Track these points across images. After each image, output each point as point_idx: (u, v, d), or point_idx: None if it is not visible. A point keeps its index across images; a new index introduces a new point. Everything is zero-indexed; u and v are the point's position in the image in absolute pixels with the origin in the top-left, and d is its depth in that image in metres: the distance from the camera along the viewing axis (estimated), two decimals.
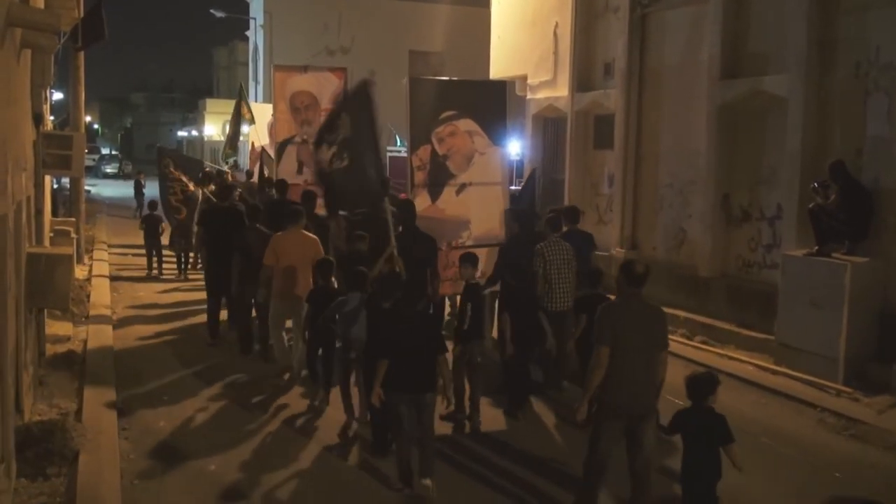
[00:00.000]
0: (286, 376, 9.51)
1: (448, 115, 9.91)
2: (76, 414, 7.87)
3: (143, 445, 7.44)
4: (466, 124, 10.02)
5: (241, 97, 19.74)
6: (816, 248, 10.06)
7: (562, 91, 16.14)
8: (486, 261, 9.24)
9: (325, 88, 13.42)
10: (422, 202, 9.64)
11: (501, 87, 10.86)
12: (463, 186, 10.06)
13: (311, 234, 9.59)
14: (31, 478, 6.36)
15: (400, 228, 9.05)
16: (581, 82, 15.68)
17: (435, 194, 9.89)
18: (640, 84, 14.19)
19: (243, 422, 8.16)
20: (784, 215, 11.30)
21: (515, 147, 24.25)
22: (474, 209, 10.11)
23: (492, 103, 10.35)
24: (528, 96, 17.43)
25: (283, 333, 9.72)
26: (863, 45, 10.24)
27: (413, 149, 9.84)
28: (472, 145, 10.08)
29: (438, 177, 9.93)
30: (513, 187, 22.16)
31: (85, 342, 10.55)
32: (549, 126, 17.23)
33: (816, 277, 9.85)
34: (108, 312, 12.61)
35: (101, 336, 10.97)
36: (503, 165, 10.46)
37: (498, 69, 18.45)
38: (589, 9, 15.60)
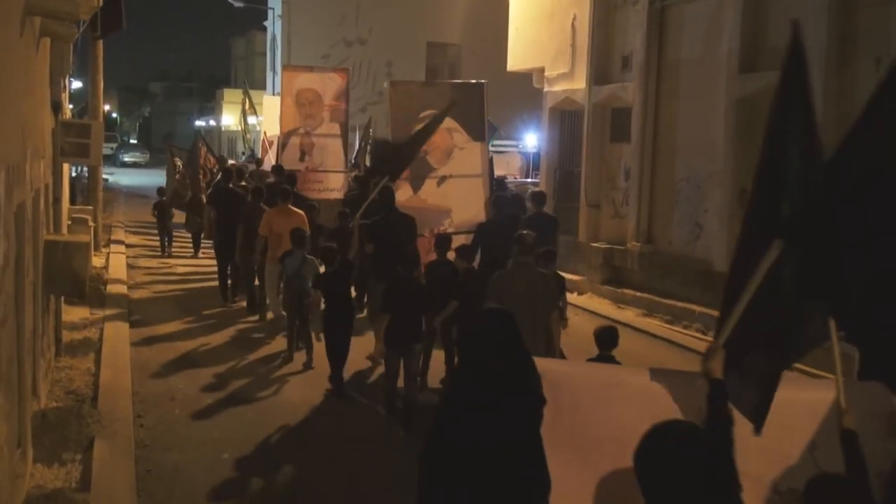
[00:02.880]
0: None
1: (428, 114, 10.63)
2: (92, 401, 7.94)
3: (158, 433, 7.50)
4: (446, 122, 10.74)
5: (245, 93, 21.47)
6: None
7: (579, 84, 16.08)
8: None
9: (328, 87, 14.90)
10: (404, 193, 10.53)
11: (479, 87, 11.55)
12: (443, 178, 10.90)
13: (297, 210, 10.98)
14: (46, 463, 6.42)
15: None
16: (598, 75, 15.61)
17: (416, 186, 10.79)
18: (658, 77, 14.11)
19: (260, 408, 8.23)
20: None
21: (532, 140, 24.18)
22: (455, 199, 10.92)
23: (471, 102, 11.14)
24: (546, 89, 17.37)
25: (277, 294, 11.06)
26: (883, 40, 10.14)
27: None
28: (452, 141, 10.89)
29: (419, 170, 10.75)
30: (530, 180, 22.21)
31: (101, 329, 10.62)
32: (566, 119, 17.17)
33: None
34: (124, 288, 13.37)
35: (118, 322, 11.06)
36: (483, 159, 11.22)
37: (515, 61, 18.39)
38: (607, 1, 15.52)
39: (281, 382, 9.13)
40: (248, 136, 24.75)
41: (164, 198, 18.94)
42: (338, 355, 8.74)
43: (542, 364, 3.58)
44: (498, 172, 16.68)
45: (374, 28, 34.77)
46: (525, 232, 7.40)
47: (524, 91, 18.75)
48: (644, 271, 14.07)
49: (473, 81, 11.75)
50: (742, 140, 12.21)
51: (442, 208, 10.83)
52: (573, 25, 16.26)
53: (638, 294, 13.63)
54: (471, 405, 3.37)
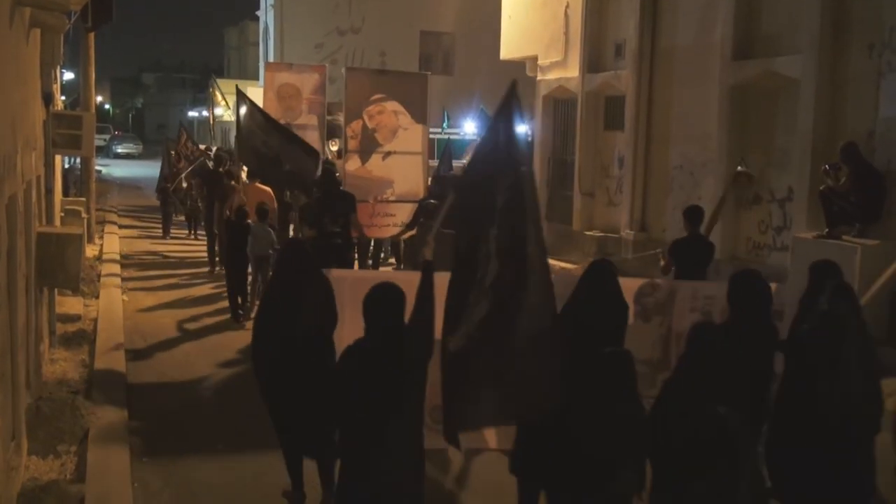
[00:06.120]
0: None
1: (378, 98, 12.30)
2: (86, 392, 7.94)
3: (152, 424, 7.50)
4: (393, 105, 12.38)
5: (216, 86, 23.39)
6: (827, 230, 10.01)
7: (572, 72, 16.06)
8: (407, 214, 12.18)
9: (307, 82, 16.39)
10: (353, 164, 12.19)
11: (423, 77, 13.44)
12: (388, 154, 12.35)
13: (265, 186, 12.79)
14: (41, 455, 6.43)
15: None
16: (592, 63, 15.59)
17: (364, 159, 12.27)
18: (652, 65, 14.10)
19: (255, 398, 8.21)
20: (795, 197, 11.24)
21: (525, 128, 24.12)
22: (397, 172, 12.41)
23: (416, 91, 12.74)
24: (539, 77, 17.34)
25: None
26: (877, 27, 10.14)
27: (347, 122, 12.27)
28: (397, 122, 12.39)
29: (367, 145, 12.27)
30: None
31: (95, 321, 10.62)
32: (560, 107, 17.14)
33: None
34: (118, 278, 13.61)
35: (111, 313, 11.05)
36: (424, 139, 12.75)
37: (508, 50, 18.35)
38: None
39: None
40: (213, 127, 28.00)
41: (168, 184, 20.67)
42: (234, 287, 11.11)
43: (342, 273, 6.26)
44: None
45: (368, 17, 34.61)
46: (430, 201, 8.51)
47: (518, 79, 18.69)
48: (638, 259, 14.09)
49: (420, 72, 14.39)
50: (736, 127, 12.23)
51: (385, 179, 12.33)
52: (566, 13, 16.22)
53: None
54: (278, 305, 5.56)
